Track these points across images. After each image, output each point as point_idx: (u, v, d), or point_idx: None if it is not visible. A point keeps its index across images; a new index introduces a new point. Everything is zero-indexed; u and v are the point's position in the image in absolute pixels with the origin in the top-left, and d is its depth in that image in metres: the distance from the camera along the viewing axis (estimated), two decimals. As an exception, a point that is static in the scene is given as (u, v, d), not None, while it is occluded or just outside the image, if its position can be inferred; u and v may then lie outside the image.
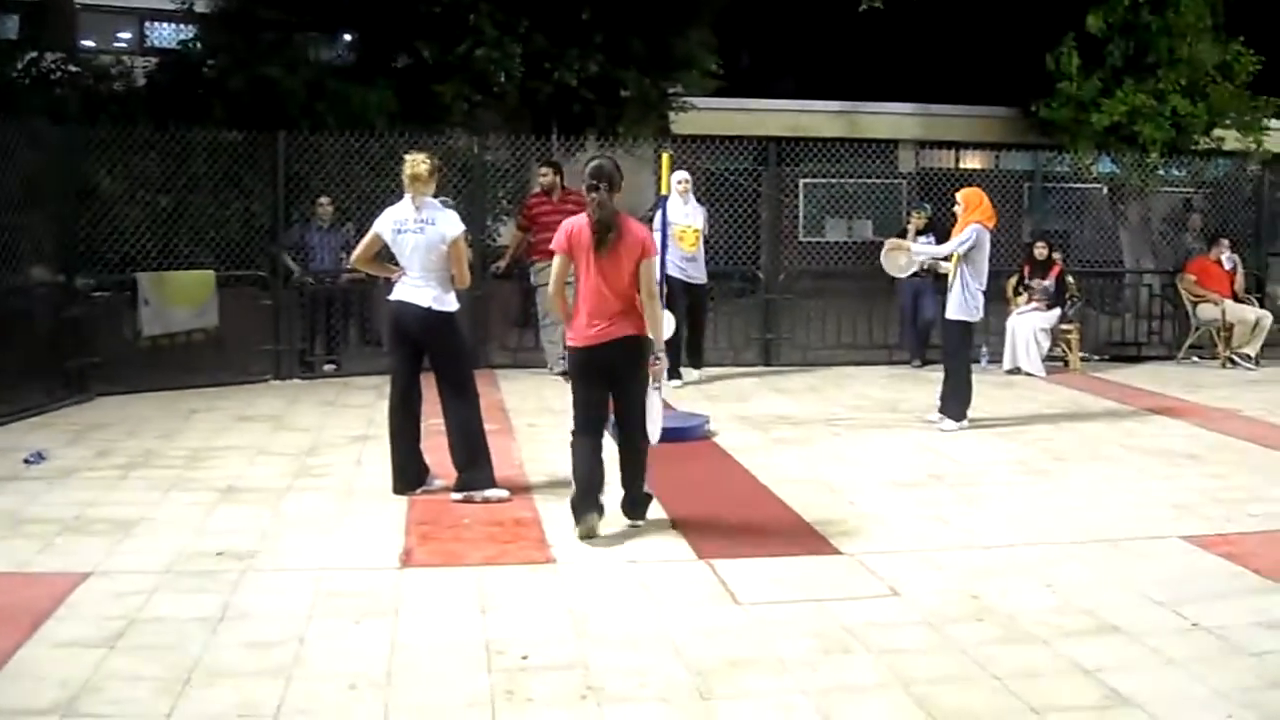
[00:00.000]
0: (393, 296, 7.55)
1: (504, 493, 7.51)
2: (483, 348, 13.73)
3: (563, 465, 8.15)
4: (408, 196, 7.42)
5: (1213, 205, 16.78)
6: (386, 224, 7.49)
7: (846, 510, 7.39)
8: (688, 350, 12.71)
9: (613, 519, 6.98)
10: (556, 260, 6.85)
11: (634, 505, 7.05)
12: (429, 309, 7.41)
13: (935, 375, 13.16)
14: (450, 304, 7.49)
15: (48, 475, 8.12)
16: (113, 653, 4.90)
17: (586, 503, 6.73)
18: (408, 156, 7.50)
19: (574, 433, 6.93)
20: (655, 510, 7.26)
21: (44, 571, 6.02)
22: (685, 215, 12.11)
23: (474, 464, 7.52)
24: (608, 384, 6.87)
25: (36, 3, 14.85)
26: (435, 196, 7.51)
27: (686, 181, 12.12)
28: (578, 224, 6.75)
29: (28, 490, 7.68)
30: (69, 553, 6.32)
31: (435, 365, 7.62)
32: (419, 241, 7.36)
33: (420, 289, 7.41)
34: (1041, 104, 19.05)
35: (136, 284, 11.85)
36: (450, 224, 7.42)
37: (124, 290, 12.06)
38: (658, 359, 6.97)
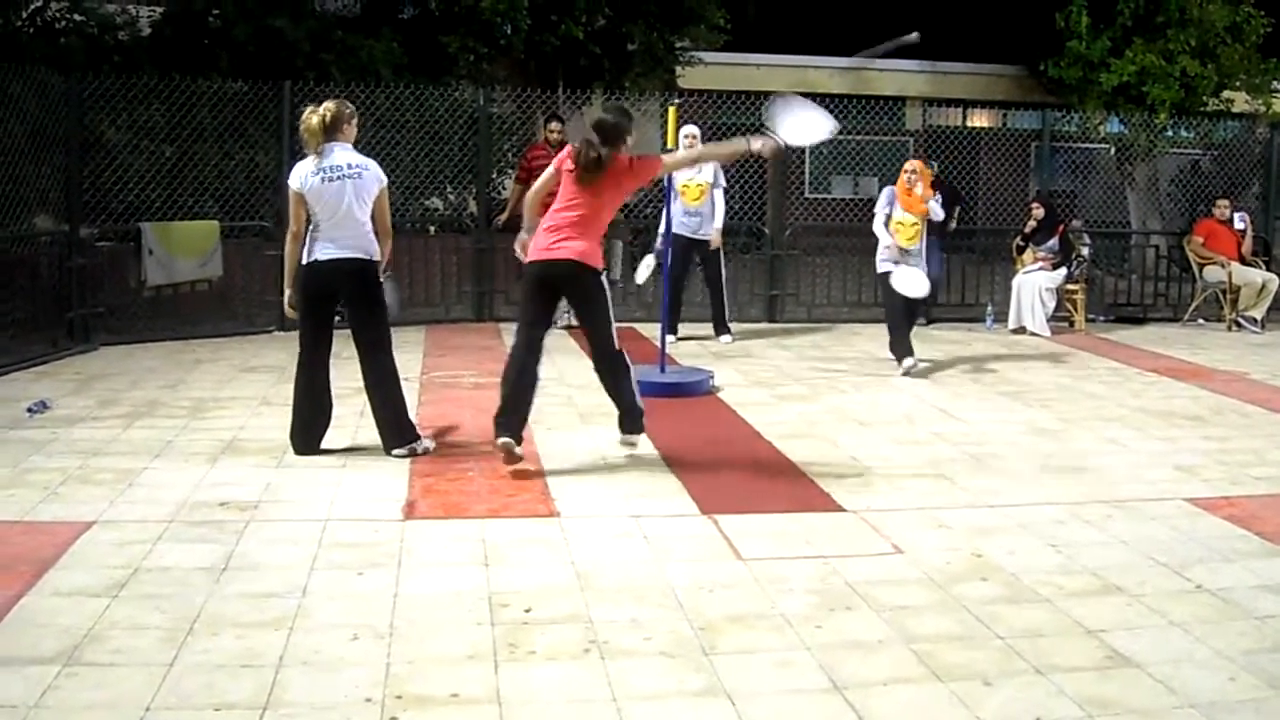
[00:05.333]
0: (320, 256, 7.18)
1: (431, 443, 7.60)
2: (488, 300, 13.73)
3: (568, 420, 8.18)
4: (313, 153, 7.18)
5: (1220, 168, 16.71)
6: (309, 177, 7.15)
7: (850, 467, 7.39)
8: (712, 316, 12.70)
9: (615, 465, 7.02)
10: (547, 171, 7.16)
11: (627, 415, 7.32)
12: (370, 260, 7.26)
13: (939, 333, 13.23)
14: (378, 251, 7.35)
15: (51, 424, 8.13)
16: (116, 602, 4.90)
17: (507, 421, 6.95)
18: (316, 107, 7.26)
19: (514, 351, 7.16)
20: (659, 465, 7.28)
21: (47, 520, 6.02)
22: (691, 170, 12.02)
23: (406, 425, 7.51)
24: (555, 303, 7.17)
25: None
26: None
27: (694, 136, 12.06)
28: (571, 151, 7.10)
29: (31, 439, 7.68)
30: (72, 502, 6.32)
31: (362, 319, 7.40)
32: (358, 187, 7.15)
33: (352, 240, 7.18)
34: (1050, 63, 18.96)
35: (141, 234, 11.83)
36: (378, 168, 7.35)
37: (128, 240, 12.05)
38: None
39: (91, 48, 13.49)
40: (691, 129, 12.07)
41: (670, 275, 10.98)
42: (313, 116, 7.17)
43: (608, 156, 6.93)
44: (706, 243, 12.18)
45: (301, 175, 7.20)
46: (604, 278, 7.16)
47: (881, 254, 10.95)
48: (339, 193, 7.12)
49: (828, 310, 14.30)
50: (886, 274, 10.80)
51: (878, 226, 11.03)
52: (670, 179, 10.50)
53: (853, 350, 12.04)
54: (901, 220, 10.85)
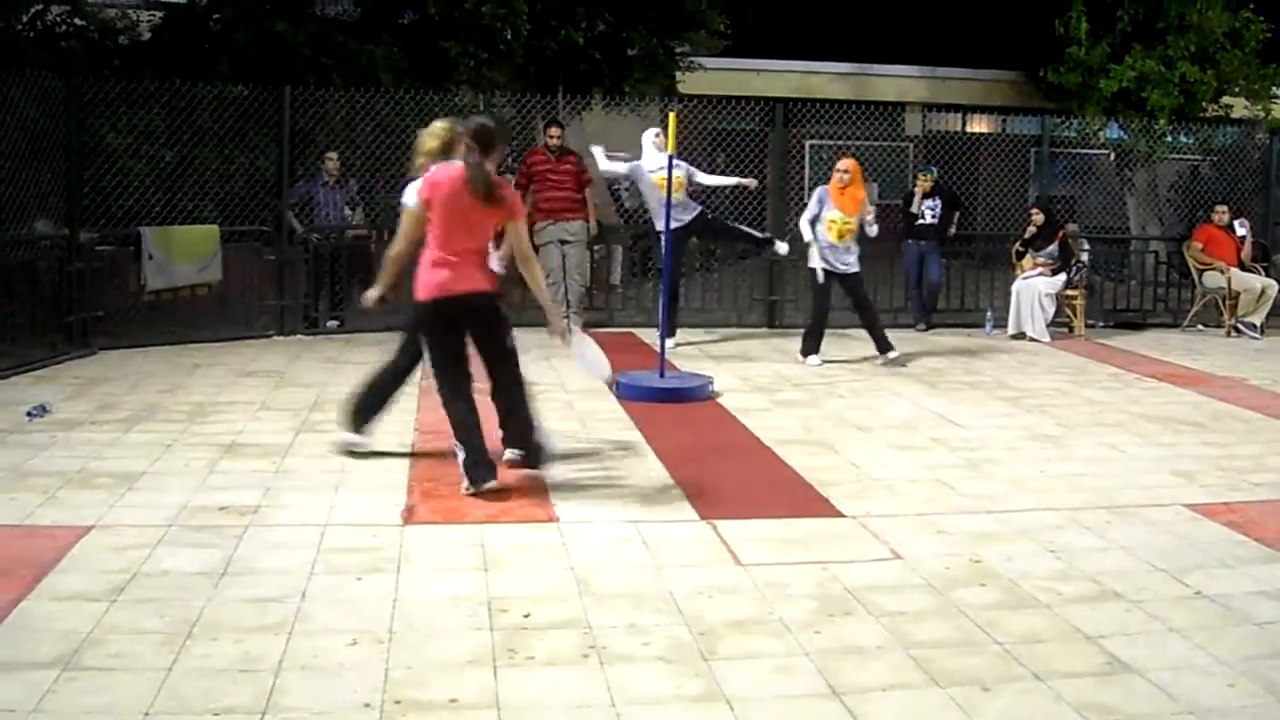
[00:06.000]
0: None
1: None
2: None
3: (567, 425, 8.16)
4: (428, 165, 7.05)
5: (1220, 173, 16.72)
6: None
7: (849, 472, 7.39)
8: (753, 242, 12.89)
9: (614, 470, 7.03)
10: (417, 206, 6.66)
11: (534, 452, 6.93)
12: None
13: (939, 338, 13.23)
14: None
15: (50, 428, 8.12)
16: (115, 606, 4.90)
17: (489, 464, 6.67)
18: (432, 128, 7.20)
19: (455, 395, 6.77)
20: (658, 470, 7.28)
21: (46, 524, 6.02)
22: (661, 167, 11.89)
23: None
24: (468, 335, 6.72)
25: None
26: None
27: (658, 133, 12.01)
28: (446, 176, 6.59)
29: (30, 443, 7.68)
30: (71, 506, 6.32)
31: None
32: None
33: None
34: (1050, 69, 19.00)
35: (141, 238, 11.84)
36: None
37: (128, 244, 12.07)
38: (565, 318, 6.82)
39: (92, 52, 13.51)
40: (654, 130, 12.07)
41: (668, 278, 11.00)
42: (430, 139, 7.09)
43: (486, 173, 6.56)
44: (692, 224, 12.08)
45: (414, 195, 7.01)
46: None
47: (811, 252, 11.49)
48: None
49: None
50: (814, 271, 11.48)
51: (803, 225, 11.53)
52: (670, 183, 10.41)
53: (852, 356, 12.02)
54: (834, 218, 11.31)
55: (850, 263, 11.48)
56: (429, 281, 6.61)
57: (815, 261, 11.44)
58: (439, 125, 7.23)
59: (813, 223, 11.43)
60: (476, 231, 6.66)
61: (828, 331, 11.75)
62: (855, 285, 11.64)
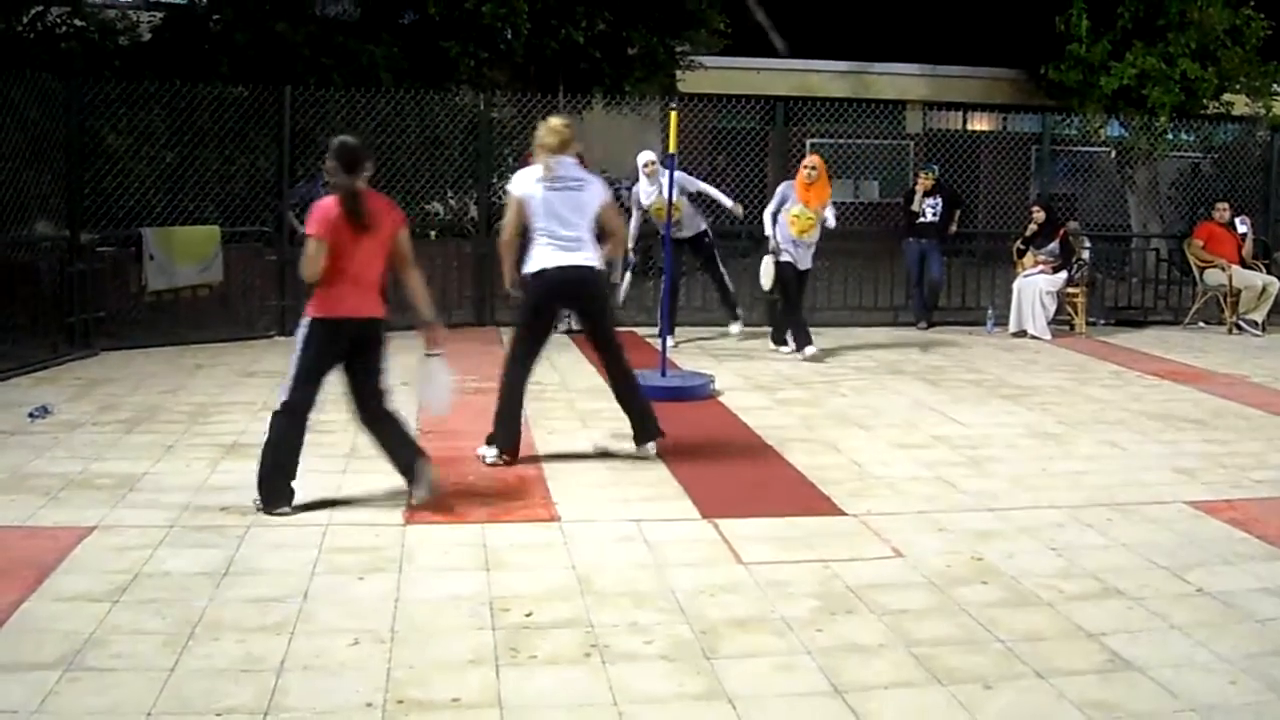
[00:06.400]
0: (548, 264, 7.19)
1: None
2: (488, 304, 13.73)
3: (569, 424, 8.16)
4: (545, 159, 7.25)
5: (1221, 171, 16.72)
6: (531, 185, 7.23)
7: (850, 471, 7.39)
8: (722, 302, 12.86)
9: (616, 468, 7.03)
10: (312, 245, 6.16)
11: (416, 479, 6.42)
12: (594, 268, 7.36)
13: (940, 336, 13.23)
14: (601, 260, 7.48)
15: (52, 430, 8.13)
16: (117, 606, 4.91)
17: (289, 490, 6.35)
18: (552, 122, 7.36)
19: (291, 412, 6.37)
20: (660, 468, 7.28)
21: (48, 525, 6.03)
22: (654, 193, 11.98)
23: (649, 411, 7.67)
24: (348, 360, 6.37)
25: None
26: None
27: (653, 163, 12.06)
28: (329, 208, 6.19)
29: (32, 444, 7.68)
30: (73, 507, 6.33)
31: (598, 324, 7.56)
32: (580, 199, 7.27)
33: (577, 250, 7.25)
34: (1050, 66, 18.98)
35: (142, 239, 11.83)
36: (602, 184, 7.47)
37: (129, 245, 12.04)
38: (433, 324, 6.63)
39: (92, 52, 13.49)
40: (647, 155, 12.10)
41: (669, 277, 11.02)
42: (550, 136, 7.25)
43: (352, 191, 6.18)
44: (691, 240, 12.24)
45: (528, 184, 7.28)
46: None
47: (765, 260, 11.67)
48: (562, 200, 7.23)
49: (827, 314, 14.28)
50: (784, 263, 11.55)
51: (766, 219, 11.67)
52: (671, 186, 10.38)
53: (853, 354, 12.03)
54: (798, 213, 11.39)
55: (808, 259, 11.64)
56: (321, 301, 6.28)
57: (767, 270, 11.65)
58: (558, 122, 7.38)
59: (774, 217, 11.54)
60: (369, 253, 6.27)
61: (829, 330, 11.75)
62: (802, 283, 11.81)
